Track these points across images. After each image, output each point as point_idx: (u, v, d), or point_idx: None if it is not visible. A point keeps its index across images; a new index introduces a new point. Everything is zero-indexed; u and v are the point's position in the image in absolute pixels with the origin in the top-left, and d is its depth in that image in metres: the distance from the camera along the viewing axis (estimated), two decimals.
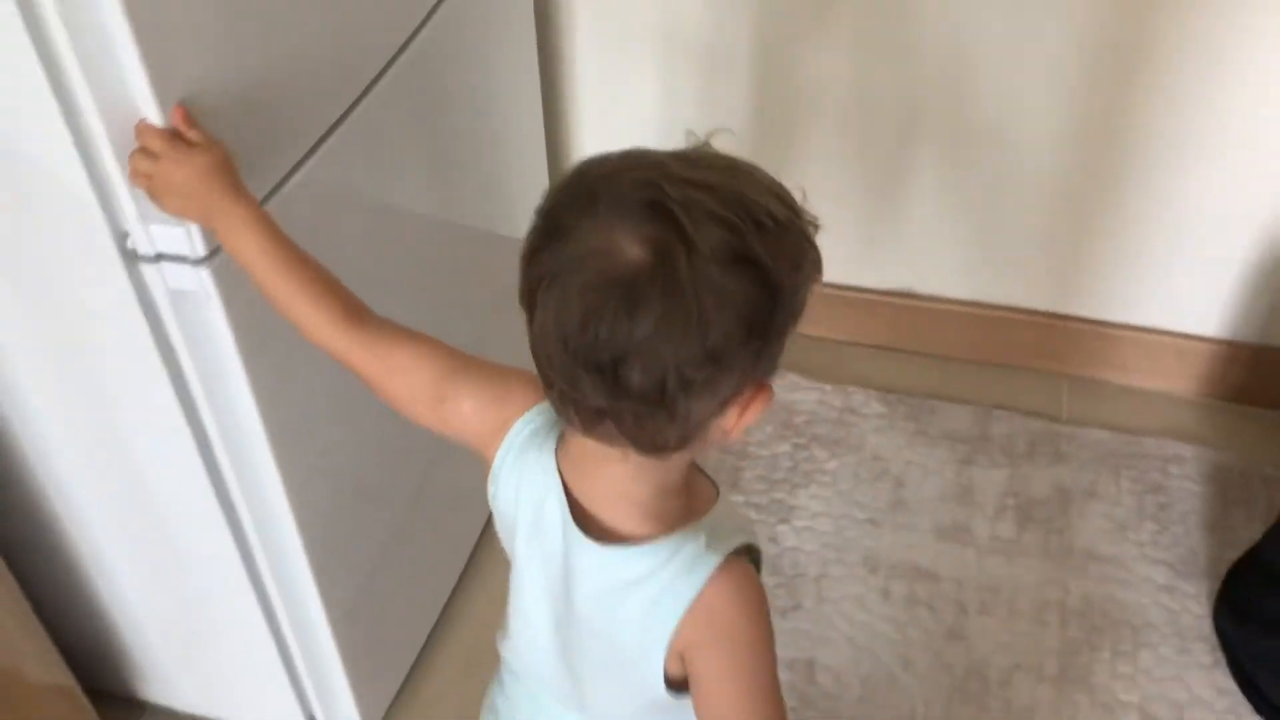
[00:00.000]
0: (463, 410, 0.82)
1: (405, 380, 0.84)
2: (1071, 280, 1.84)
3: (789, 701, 1.49)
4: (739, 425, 0.70)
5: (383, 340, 0.85)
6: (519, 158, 1.64)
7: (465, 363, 0.84)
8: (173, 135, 0.88)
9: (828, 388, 1.91)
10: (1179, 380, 1.87)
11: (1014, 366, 1.94)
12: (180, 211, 0.91)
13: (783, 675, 1.56)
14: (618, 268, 0.64)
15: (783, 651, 1.58)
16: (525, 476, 0.79)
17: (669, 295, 0.63)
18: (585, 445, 0.73)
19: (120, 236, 0.96)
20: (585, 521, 0.76)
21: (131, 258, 0.97)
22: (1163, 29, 1.56)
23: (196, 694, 1.48)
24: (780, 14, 1.68)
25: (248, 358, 1.04)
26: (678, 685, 0.78)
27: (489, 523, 1.74)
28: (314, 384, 1.17)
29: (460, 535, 1.65)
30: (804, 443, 1.83)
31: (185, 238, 0.95)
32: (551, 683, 0.87)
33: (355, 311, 0.86)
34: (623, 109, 1.85)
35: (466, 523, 1.65)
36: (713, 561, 0.74)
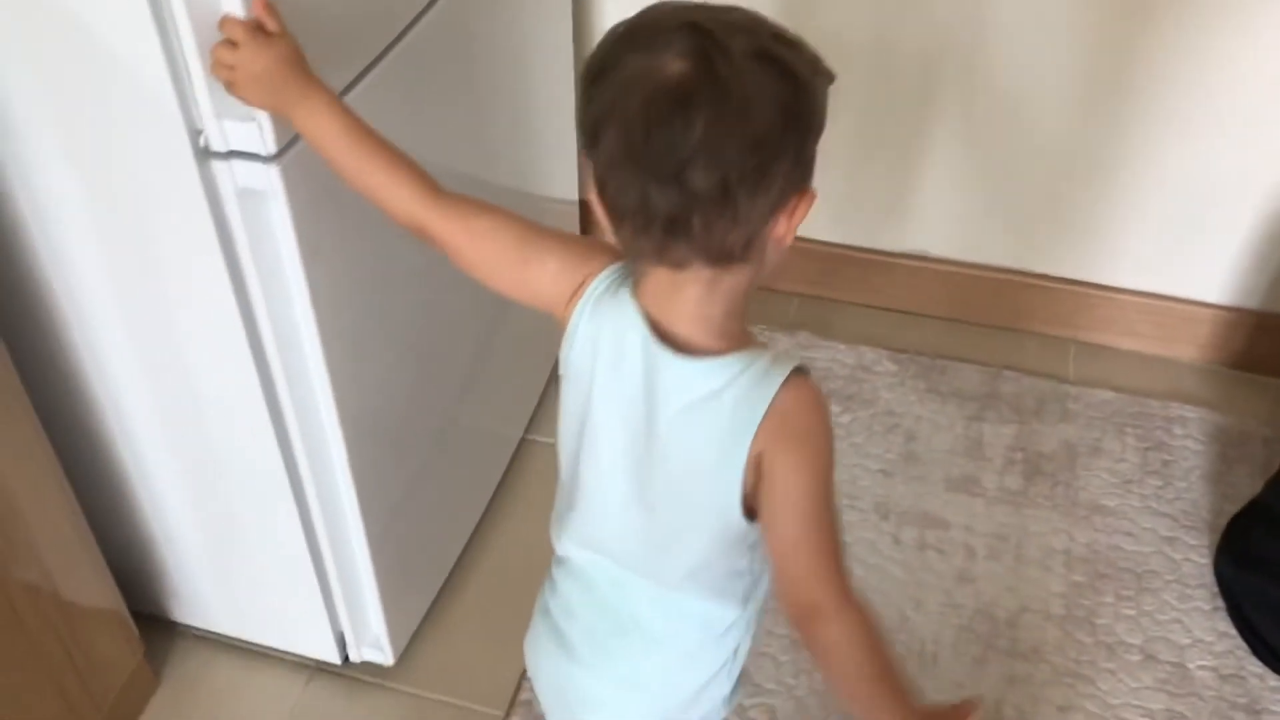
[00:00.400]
0: (548, 270, 0.89)
1: (489, 245, 0.91)
2: (1080, 246, 1.90)
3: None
4: (790, 230, 0.80)
5: (464, 208, 0.91)
6: (549, 117, 1.69)
7: (542, 229, 0.91)
8: (253, 26, 0.93)
9: (841, 346, 1.96)
10: (1183, 346, 1.93)
11: (1023, 330, 1.99)
12: (261, 101, 0.96)
13: None
14: (668, 80, 0.73)
15: None
16: (604, 321, 0.86)
17: (716, 95, 0.73)
18: (660, 279, 0.82)
19: (194, 134, 1.01)
20: (666, 342, 0.84)
21: (204, 155, 1.02)
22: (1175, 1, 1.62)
23: (228, 615, 1.53)
24: None
25: (306, 257, 1.09)
26: (748, 514, 0.84)
27: (519, 450, 1.79)
28: (367, 289, 1.22)
29: (491, 460, 1.70)
30: None
31: (258, 135, 1.00)
32: (621, 546, 0.92)
33: (432, 184, 0.92)
34: None
35: (498, 448, 1.71)
36: (782, 372, 0.82)
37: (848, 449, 1.80)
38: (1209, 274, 1.86)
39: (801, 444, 0.82)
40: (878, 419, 1.85)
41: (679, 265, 0.79)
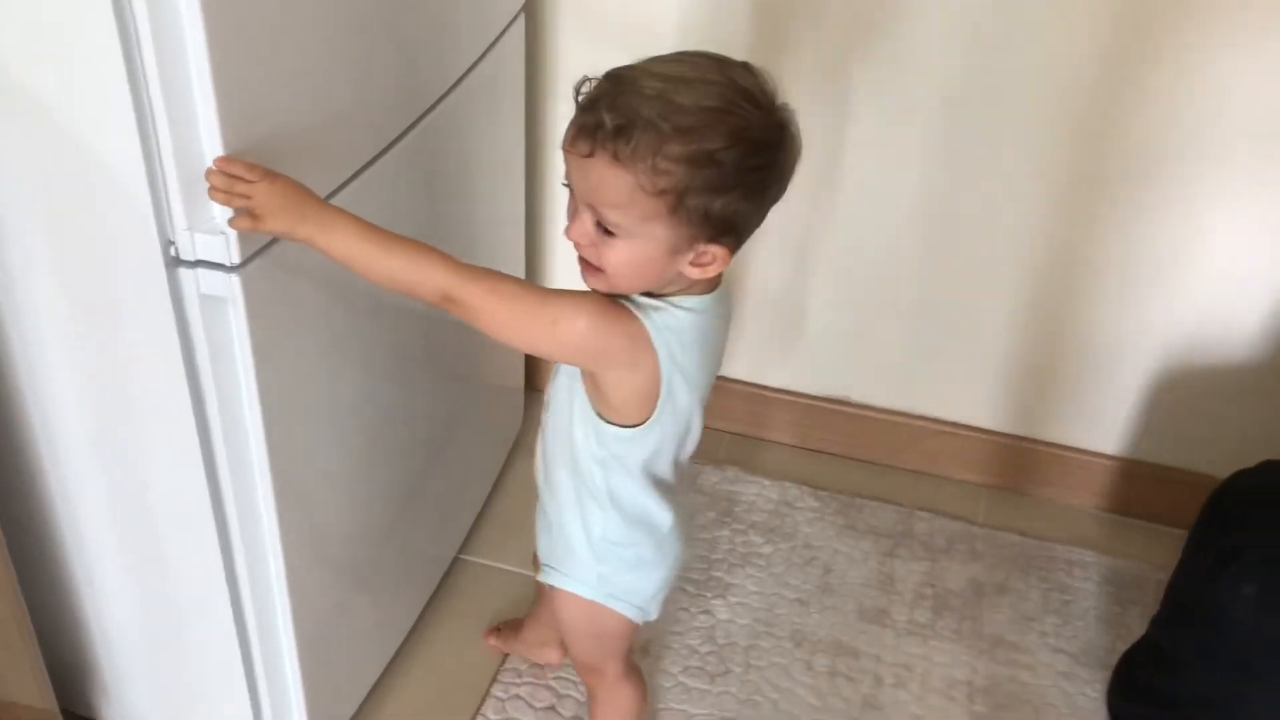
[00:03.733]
0: (577, 328, 1.05)
1: (517, 306, 1.06)
2: (989, 397, 2.04)
3: None
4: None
5: (488, 274, 1.06)
6: (501, 247, 1.83)
7: (557, 290, 1.09)
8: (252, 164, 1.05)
9: (766, 482, 2.07)
10: (1083, 494, 2.05)
11: (938, 475, 2.11)
12: (284, 227, 1.05)
13: None
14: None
15: (711, 712, 1.70)
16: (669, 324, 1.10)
17: None
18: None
19: (166, 244, 1.11)
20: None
21: (173, 263, 1.12)
22: (1082, 204, 1.80)
23: (159, 716, 1.56)
24: None
25: (259, 361, 1.18)
26: None
27: (451, 568, 1.85)
28: (315, 397, 1.31)
29: (423, 578, 1.76)
30: (742, 529, 1.98)
31: (224, 247, 1.10)
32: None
33: (454, 259, 1.06)
34: None
35: (431, 567, 1.77)
36: None
37: (768, 578, 1.89)
38: (1105, 426, 2.00)
39: None
40: (797, 551, 1.94)
41: None
